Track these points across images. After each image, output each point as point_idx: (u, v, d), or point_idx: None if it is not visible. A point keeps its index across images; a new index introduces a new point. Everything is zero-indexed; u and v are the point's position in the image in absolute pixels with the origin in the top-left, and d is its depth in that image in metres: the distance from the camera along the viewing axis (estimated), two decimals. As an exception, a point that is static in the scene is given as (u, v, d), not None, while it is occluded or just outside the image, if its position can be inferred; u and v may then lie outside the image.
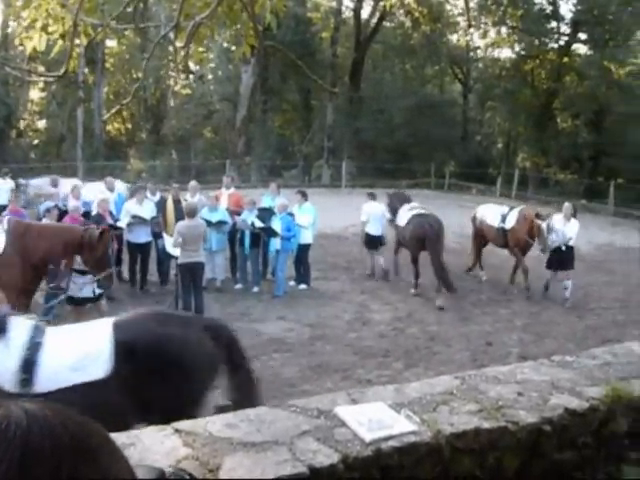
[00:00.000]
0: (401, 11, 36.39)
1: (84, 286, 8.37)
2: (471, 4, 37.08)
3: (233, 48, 31.57)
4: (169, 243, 10.25)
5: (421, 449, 3.58)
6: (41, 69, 23.16)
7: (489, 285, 12.70)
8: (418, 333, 9.71)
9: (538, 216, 12.02)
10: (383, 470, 3.46)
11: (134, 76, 36.39)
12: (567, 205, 12.07)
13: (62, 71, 4.08)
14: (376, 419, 3.68)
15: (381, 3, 33.58)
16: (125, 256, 11.86)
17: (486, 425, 3.83)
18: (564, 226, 11.64)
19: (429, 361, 8.48)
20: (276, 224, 11.20)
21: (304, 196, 12.05)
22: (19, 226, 7.82)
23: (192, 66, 37.16)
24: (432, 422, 3.79)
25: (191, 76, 38.95)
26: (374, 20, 34.89)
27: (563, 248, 11.47)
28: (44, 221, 10.09)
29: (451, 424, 3.78)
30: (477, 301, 11.54)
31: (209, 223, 10.74)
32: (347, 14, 36.19)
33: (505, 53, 38.12)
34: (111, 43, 36.52)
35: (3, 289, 6.13)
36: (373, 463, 3.44)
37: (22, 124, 35.31)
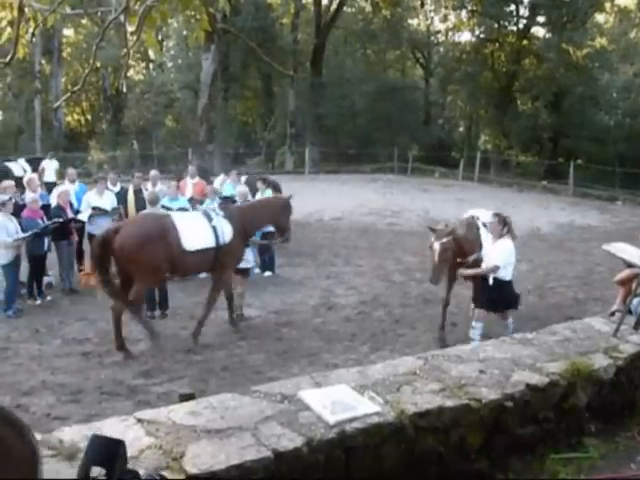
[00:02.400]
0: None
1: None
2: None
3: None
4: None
5: (385, 429, 3.62)
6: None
7: (453, 267, 12.81)
8: (383, 316, 9.77)
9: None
10: (348, 451, 3.48)
11: (91, 65, 35.73)
12: (492, 219, 8.19)
13: (8, 58, 3.98)
14: (340, 401, 3.69)
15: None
16: (87, 248, 11.67)
17: (449, 403, 3.88)
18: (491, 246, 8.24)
19: (395, 344, 8.53)
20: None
21: (265, 182, 11.99)
22: (236, 211, 8.94)
23: (151, 55, 36.73)
24: (395, 402, 3.82)
25: (151, 64, 38.49)
26: (334, 5, 34.75)
27: (490, 281, 7.97)
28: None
29: (414, 404, 3.82)
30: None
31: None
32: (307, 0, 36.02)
33: (465, 37, 38.46)
34: (68, 32, 35.84)
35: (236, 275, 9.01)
36: (337, 445, 3.46)
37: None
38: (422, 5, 34.17)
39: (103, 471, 1.08)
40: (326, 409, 3.61)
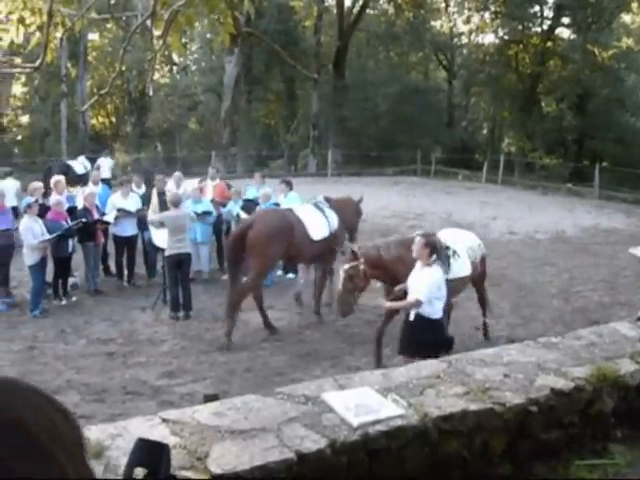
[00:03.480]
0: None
1: None
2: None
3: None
4: (156, 235, 10.21)
5: (408, 432, 3.61)
6: (17, 61, 22.89)
7: (476, 270, 12.73)
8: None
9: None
10: (371, 454, 3.48)
11: (117, 69, 36.05)
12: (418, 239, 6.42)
13: (38, 62, 4.04)
14: (363, 404, 3.69)
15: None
16: (111, 250, 11.80)
17: (473, 407, 3.86)
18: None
19: (418, 347, 8.50)
20: (260, 213, 11.19)
21: (289, 185, 12.02)
22: (334, 204, 9.94)
23: (175, 58, 37.04)
24: (419, 405, 3.81)
25: (174, 68, 38.78)
26: (357, 7, 34.75)
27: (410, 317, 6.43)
28: (25, 217, 10.01)
29: (438, 407, 3.81)
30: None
31: (195, 214, 10.70)
32: (330, 2, 36.05)
33: (489, 38, 38.14)
34: (93, 36, 36.23)
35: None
36: (361, 447, 3.46)
37: (5, 120, 34.97)
38: (446, 7, 33.99)
39: (144, 472, 1.11)
40: (349, 411, 3.61)
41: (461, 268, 7.60)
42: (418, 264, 6.35)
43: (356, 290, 7.43)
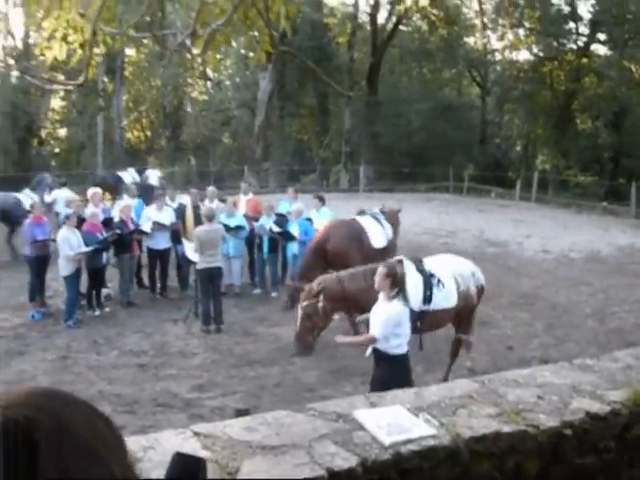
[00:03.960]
0: (417, 15, 36.35)
1: None
2: (487, 6, 36.98)
3: (251, 54, 31.74)
4: (188, 249, 10.31)
5: (440, 453, 3.57)
6: (61, 78, 23.50)
7: (509, 289, 12.61)
8: (438, 336, 9.65)
9: None
10: (402, 473, 3.45)
11: (152, 84, 36.69)
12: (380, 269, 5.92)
13: (81, 79, 4.13)
14: (395, 423, 3.67)
15: (397, 7, 33.56)
16: (145, 262, 11.94)
17: (506, 429, 3.80)
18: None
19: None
20: (294, 228, 11.23)
21: (322, 200, 12.07)
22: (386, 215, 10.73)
23: (210, 73, 37.52)
24: (451, 426, 3.77)
25: (209, 83, 39.27)
26: (390, 24, 34.89)
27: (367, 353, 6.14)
28: (63, 228, 10.19)
29: (470, 428, 3.76)
30: (497, 305, 11.46)
31: (227, 228, 10.78)
32: (363, 19, 36.24)
33: (523, 55, 37.96)
34: (130, 52, 36.89)
35: None
36: (392, 467, 3.43)
37: (43, 132, 35.71)
38: (484, 26, 33.76)
39: None
40: (381, 430, 3.59)
41: (445, 299, 7.00)
42: (381, 295, 5.83)
43: (315, 329, 7.05)
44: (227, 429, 3.65)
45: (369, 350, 5.89)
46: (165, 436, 3.63)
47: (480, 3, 33.36)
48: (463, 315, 7.53)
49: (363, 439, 3.55)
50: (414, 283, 6.62)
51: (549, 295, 12.25)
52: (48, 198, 15.54)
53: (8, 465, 0.64)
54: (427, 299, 6.83)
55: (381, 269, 5.75)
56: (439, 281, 7.00)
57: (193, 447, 3.44)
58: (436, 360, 8.59)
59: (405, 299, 5.77)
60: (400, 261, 6.74)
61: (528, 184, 28.75)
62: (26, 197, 15.07)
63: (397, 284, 5.67)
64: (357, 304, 6.89)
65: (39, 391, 0.75)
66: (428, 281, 6.83)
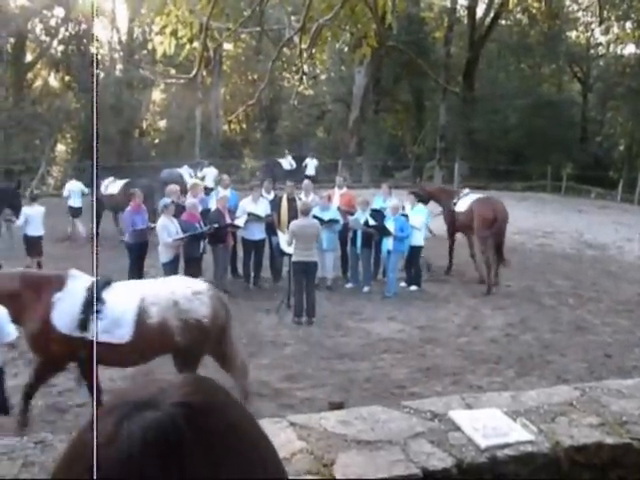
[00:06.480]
0: (518, 8, 35.36)
1: None
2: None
3: (346, 49, 31.78)
4: (283, 241, 10.47)
5: (538, 460, 3.48)
6: (172, 72, 24.56)
7: (608, 294, 12.12)
8: (531, 340, 9.41)
9: None
10: (498, 478, 3.39)
11: (249, 78, 37.37)
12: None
13: (193, 73, 4.27)
14: (492, 426, 3.61)
15: (496, 1, 32.74)
16: (240, 252, 12.21)
17: (609, 440, 3.67)
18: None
19: (543, 370, 8.19)
20: (389, 224, 11.21)
21: (417, 197, 11.98)
22: None
23: (305, 68, 37.84)
24: (550, 433, 3.67)
25: (304, 77, 39.63)
26: (489, 18, 34.07)
27: None
28: (162, 217, 10.54)
29: (571, 436, 3.65)
30: (596, 310, 11.05)
31: (321, 222, 10.87)
32: (461, 13, 35.58)
33: (629, 49, 36.26)
34: (228, 46, 37.73)
35: None
36: (488, 470, 3.37)
37: (144, 124, 37.08)
38: (601, 22, 32.21)
39: None
40: (477, 432, 3.54)
41: (107, 331, 5.70)
42: None
43: None
44: (323, 421, 3.69)
45: None
46: (261, 424, 3.71)
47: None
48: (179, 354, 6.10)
49: (459, 440, 3.51)
50: (72, 302, 5.74)
51: (652, 302, 11.71)
52: (200, 174, 19.80)
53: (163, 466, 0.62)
54: (82, 325, 5.71)
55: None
56: (103, 308, 5.78)
57: (289, 437, 3.50)
58: (530, 365, 8.38)
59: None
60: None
61: (631, 185, 27.51)
62: (186, 172, 19.56)
63: None
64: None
65: (192, 382, 0.72)
66: (90, 305, 5.69)
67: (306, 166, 24.40)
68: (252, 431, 0.71)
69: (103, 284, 5.91)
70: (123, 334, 5.72)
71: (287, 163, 24.42)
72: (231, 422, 0.68)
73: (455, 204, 12.98)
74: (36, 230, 12.07)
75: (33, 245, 12.02)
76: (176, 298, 5.96)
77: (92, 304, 5.70)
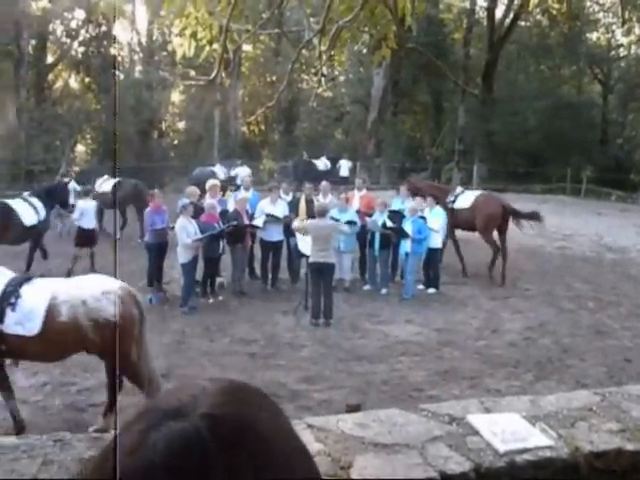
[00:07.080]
0: (538, 9, 35.08)
1: None
2: None
3: (364, 51, 31.77)
4: (301, 242, 10.48)
5: (557, 465, 3.45)
6: (192, 73, 24.81)
7: (628, 298, 12.00)
8: (550, 344, 9.34)
9: None
10: (517, 483, 3.36)
11: (268, 79, 37.44)
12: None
13: (212, 75, 4.29)
14: (510, 430, 3.58)
15: (516, 2, 32.51)
16: (257, 253, 12.24)
17: (629, 447, 3.62)
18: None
19: (562, 374, 8.12)
20: (407, 226, 11.18)
21: (435, 199, 11.94)
22: None
23: (324, 69, 37.82)
24: (569, 438, 3.64)
25: (322, 79, 39.65)
26: (508, 20, 33.85)
27: None
28: (180, 218, 10.59)
29: (590, 442, 3.62)
30: (616, 314, 10.94)
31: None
32: (480, 14, 35.40)
33: (650, 51, 35.85)
34: (247, 47, 37.84)
35: None
36: (506, 475, 3.35)
37: (163, 125, 37.27)
38: (624, 23, 31.72)
39: None
40: (496, 436, 3.52)
41: (20, 323, 5.93)
42: None
43: None
44: (340, 423, 3.68)
45: None
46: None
47: None
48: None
49: (477, 444, 3.49)
50: None
51: (673, 307, 11.56)
52: (232, 173, 20.73)
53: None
54: None
55: None
56: (17, 300, 5.96)
57: (306, 439, 3.49)
58: (549, 369, 8.32)
59: None
60: None
61: (652, 188, 27.21)
62: (220, 170, 20.48)
63: None
64: None
65: (226, 390, 0.71)
66: (6, 297, 5.94)
67: (340, 167, 24.84)
68: (285, 443, 0.69)
69: (23, 280, 6.18)
70: (32, 327, 5.85)
71: (322, 164, 24.66)
72: (260, 434, 0.67)
73: (453, 201, 12.94)
74: (89, 223, 12.58)
75: (87, 237, 12.48)
76: (84, 297, 5.95)
77: (9, 298, 5.91)
